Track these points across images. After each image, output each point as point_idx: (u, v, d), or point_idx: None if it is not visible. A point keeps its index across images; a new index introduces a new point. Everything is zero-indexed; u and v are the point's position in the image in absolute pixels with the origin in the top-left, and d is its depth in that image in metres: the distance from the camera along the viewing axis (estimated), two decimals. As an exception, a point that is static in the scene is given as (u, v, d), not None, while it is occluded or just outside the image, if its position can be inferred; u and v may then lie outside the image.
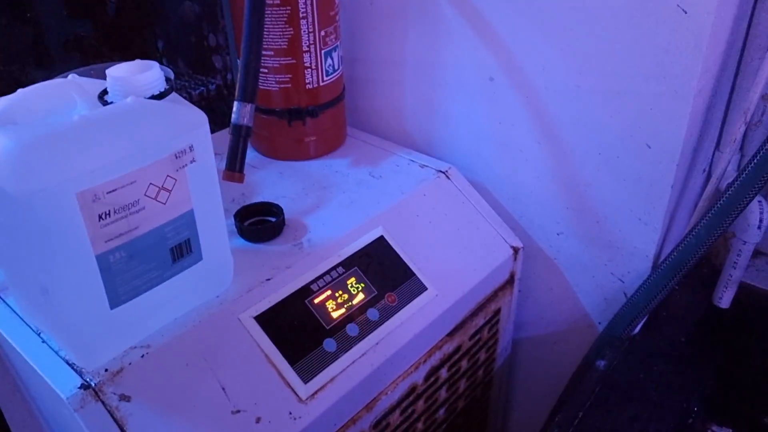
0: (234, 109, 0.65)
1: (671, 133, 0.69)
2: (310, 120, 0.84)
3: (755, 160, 0.66)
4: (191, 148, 0.54)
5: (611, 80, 0.70)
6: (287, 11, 0.76)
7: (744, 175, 0.67)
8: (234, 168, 0.66)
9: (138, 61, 0.55)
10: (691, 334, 0.83)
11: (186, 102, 0.56)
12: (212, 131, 0.67)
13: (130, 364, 0.55)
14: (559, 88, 0.74)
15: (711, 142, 0.79)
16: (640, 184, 0.73)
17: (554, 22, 0.71)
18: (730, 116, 0.78)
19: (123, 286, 0.53)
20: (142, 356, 0.56)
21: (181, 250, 0.56)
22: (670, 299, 0.85)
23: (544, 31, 0.72)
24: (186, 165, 0.54)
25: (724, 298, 0.84)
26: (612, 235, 0.79)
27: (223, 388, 0.57)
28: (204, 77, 1.08)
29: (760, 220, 0.78)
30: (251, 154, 0.88)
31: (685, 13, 0.62)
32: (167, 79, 0.55)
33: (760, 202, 0.78)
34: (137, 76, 0.53)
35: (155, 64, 0.54)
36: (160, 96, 0.53)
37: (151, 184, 0.52)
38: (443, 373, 0.78)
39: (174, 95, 0.55)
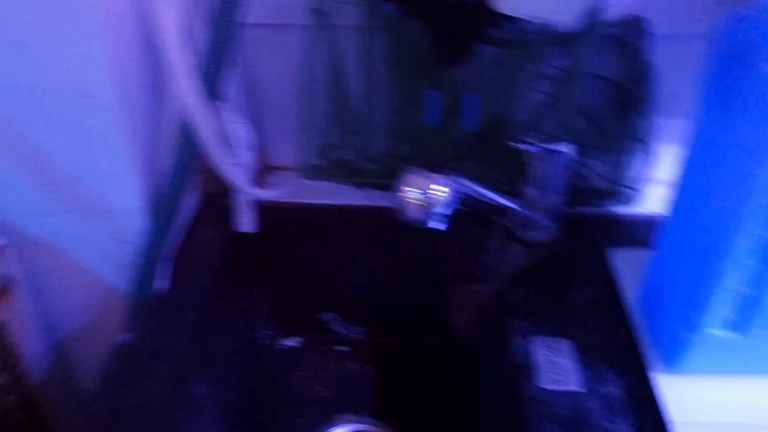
0: None
1: (106, 87, 0.63)
2: None
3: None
4: None
5: None
6: None
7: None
8: None
9: None
10: (223, 267, 0.82)
11: None
12: None
13: None
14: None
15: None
16: (95, 138, 0.66)
17: None
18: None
19: None
20: None
21: None
22: (198, 239, 0.83)
23: None
24: None
25: (246, 223, 0.85)
26: (98, 200, 0.71)
27: None
28: None
29: (245, 140, 0.79)
30: None
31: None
32: None
33: (243, 123, 0.78)
34: None
35: None
36: None
37: None
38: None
39: None
